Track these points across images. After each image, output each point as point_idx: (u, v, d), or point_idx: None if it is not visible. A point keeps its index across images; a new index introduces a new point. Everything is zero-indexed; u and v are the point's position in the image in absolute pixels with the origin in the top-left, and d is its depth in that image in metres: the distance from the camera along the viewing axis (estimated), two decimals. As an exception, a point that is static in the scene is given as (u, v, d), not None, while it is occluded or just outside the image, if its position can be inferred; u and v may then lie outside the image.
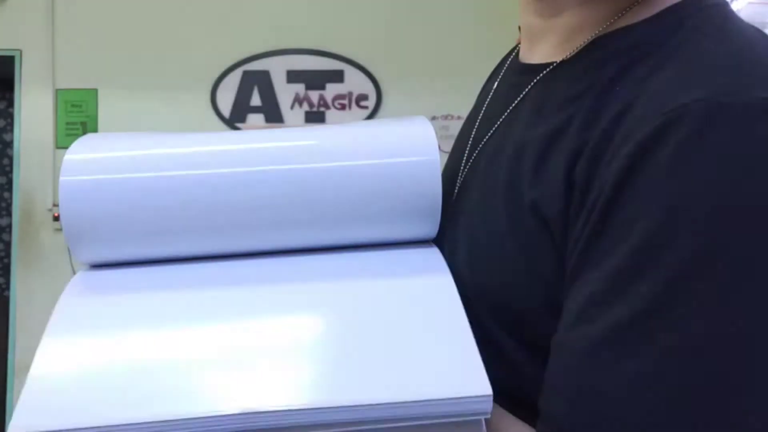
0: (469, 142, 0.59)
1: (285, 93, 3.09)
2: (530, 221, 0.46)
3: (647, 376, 0.37)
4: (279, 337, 0.43)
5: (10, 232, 3.27)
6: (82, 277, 0.50)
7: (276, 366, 0.41)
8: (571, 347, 0.40)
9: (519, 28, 0.59)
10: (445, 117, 3.00)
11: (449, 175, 0.60)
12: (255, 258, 0.51)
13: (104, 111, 3.01)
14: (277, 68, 3.08)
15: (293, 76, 3.09)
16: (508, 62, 0.62)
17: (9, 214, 3.81)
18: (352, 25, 3.08)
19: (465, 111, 0.66)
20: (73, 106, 3.00)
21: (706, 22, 0.44)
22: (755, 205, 0.36)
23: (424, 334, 0.43)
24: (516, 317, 0.47)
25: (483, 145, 0.56)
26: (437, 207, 0.50)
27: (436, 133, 0.51)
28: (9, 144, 3.95)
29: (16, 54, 2.99)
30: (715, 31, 0.44)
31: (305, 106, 3.09)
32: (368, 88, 3.10)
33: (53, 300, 0.46)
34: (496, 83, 0.62)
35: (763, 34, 0.44)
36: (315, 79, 3.09)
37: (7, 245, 3.84)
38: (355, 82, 3.10)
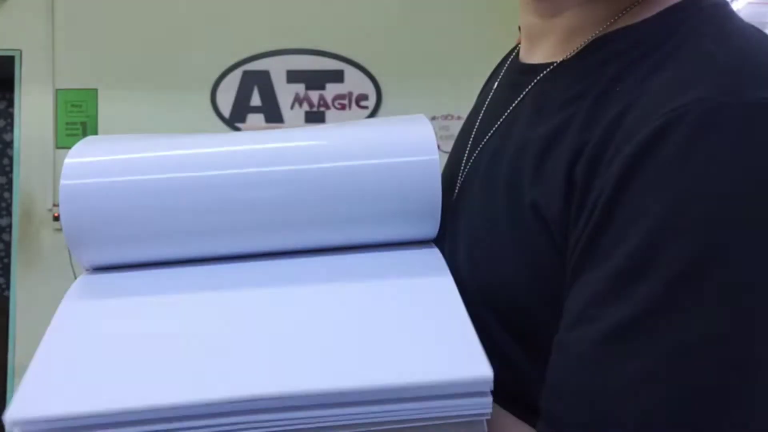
0: (470, 142, 0.59)
1: (285, 93, 3.09)
2: (531, 221, 0.46)
3: (648, 376, 0.37)
4: (281, 329, 0.43)
5: (10, 232, 3.27)
6: (84, 281, 0.50)
7: (280, 353, 0.41)
8: (572, 347, 0.40)
9: (519, 28, 0.59)
10: (445, 117, 3.00)
11: (449, 175, 0.60)
12: (255, 260, 0.51)
13: (104, 111, 3.01)
14: (277, 68, 3.08)
15: (293, 76, 3.09)
16: (508, 62, 0.62)
17: (9, 214, 3.81)
18: (352, 25, 3.08)
19: (465, 111, 0.66)
20: (73, 106, 3.00)
21: (707, 22, 0.45)
22: (755, 205, 0.36)
23: (424, 324, 0.43)
24: (516, 317, 0.47)
25: (483, 145, 0.56)
26: (437, 207, 0.50)
27: (436, 133, 0.51)
28: (9, 144, 3.95)
29: (16, 54, 2.99)
30: (715, 31, 0.44)
31: (305, 106, 3.10)
32: (368, 88, 3.10)
33: (53, 300, 0.46)
34: (496, 83, 0.62)
35: (763, 34, 0.44)
36: (315, 79, 3.09)
37: (7, 245, 3.84)
38: (355, 82, 3.10)
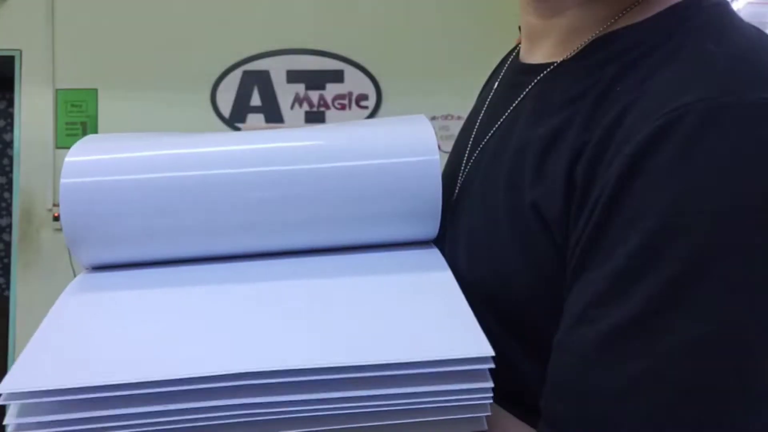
0: (470, 142, 0.59)
1: (285, 93, 3.09)
2: (531, 221, 0.46)
3: (648, 376, 0.37)
4: (284, 315, 0.44)
5: (10, 232, 3.27)
6: (82, 278, 0.50)
7: (283, 334, 0.41)
8: (573, 347, 0.40)
9: (519, 28, 0.59)
10: (445, 117, 3.00)
11: (450, 175, 0.60)
12: (254, 259, 0.51)
13: (104, 111, 3.01)
14: (277, 68, 3.08)
15: (293, 76, 3.09)
16: (508, 62, 0.62)
17: (9, 214, 3.81)
18: (352, 25, 3.08)
19: (465, 111, 0.66)
20: (73, 106, 3.00)
21: (707, 23, 0.44)
22: (756, 206, 0.36)
23: (425, 310, 0.44)
24: (517, 317, 0.47)
25: (483, 145, 0.56)
26: (437, 207, 0.50)
27: (436, 133, 0.51)
28: (9, 144, 3.95)
29: (16, 54, 2.99)
30: (715, 31, 0.44)
31: (305, 106, 3.09)
32: (368, 88, 3.10)
33: (53, 300, 0.46)
34: (496, 83, 0.62)
35: (764, 34, 0.44)
36: (315, 79, 3.09)
37: (7, 245, 3.84)
38: (355, 82, 3.10)
